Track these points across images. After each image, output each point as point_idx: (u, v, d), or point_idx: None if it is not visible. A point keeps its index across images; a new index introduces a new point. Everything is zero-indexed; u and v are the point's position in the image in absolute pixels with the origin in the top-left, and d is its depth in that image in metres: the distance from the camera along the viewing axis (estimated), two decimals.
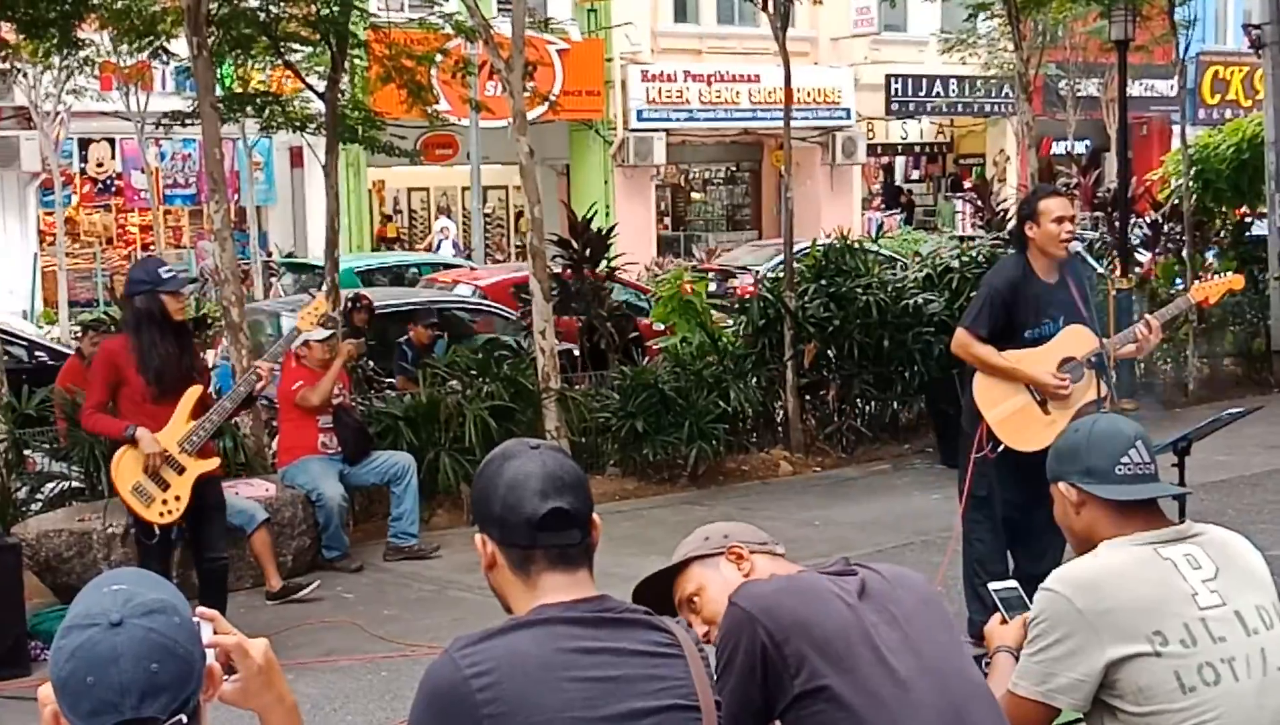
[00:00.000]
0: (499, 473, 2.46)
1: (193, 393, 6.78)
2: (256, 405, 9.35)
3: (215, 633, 2.13)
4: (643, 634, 2.40)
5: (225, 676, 2.13)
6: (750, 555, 2.95)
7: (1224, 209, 15.50)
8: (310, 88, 11.83)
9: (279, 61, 12.12)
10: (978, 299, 6.47)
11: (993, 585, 3.39)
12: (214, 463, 6.91)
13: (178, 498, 6.71)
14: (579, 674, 2.30)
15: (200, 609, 2.08)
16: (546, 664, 2.29)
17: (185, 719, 1.82)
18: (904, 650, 2.65)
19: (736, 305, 13.15)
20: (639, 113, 28.33)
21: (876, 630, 2.65)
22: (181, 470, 6.72)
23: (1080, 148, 28.67)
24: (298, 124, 12.91)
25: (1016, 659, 3.04)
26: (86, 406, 6.86)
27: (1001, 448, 6.27)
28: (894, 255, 15.14)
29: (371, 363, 12.06)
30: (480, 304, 14.52)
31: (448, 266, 19.24)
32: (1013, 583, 3.37)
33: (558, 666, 2.29)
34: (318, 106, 12.12)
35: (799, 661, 2.59)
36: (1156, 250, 15.35)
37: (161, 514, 6.71)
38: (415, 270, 18.83)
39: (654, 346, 12.89)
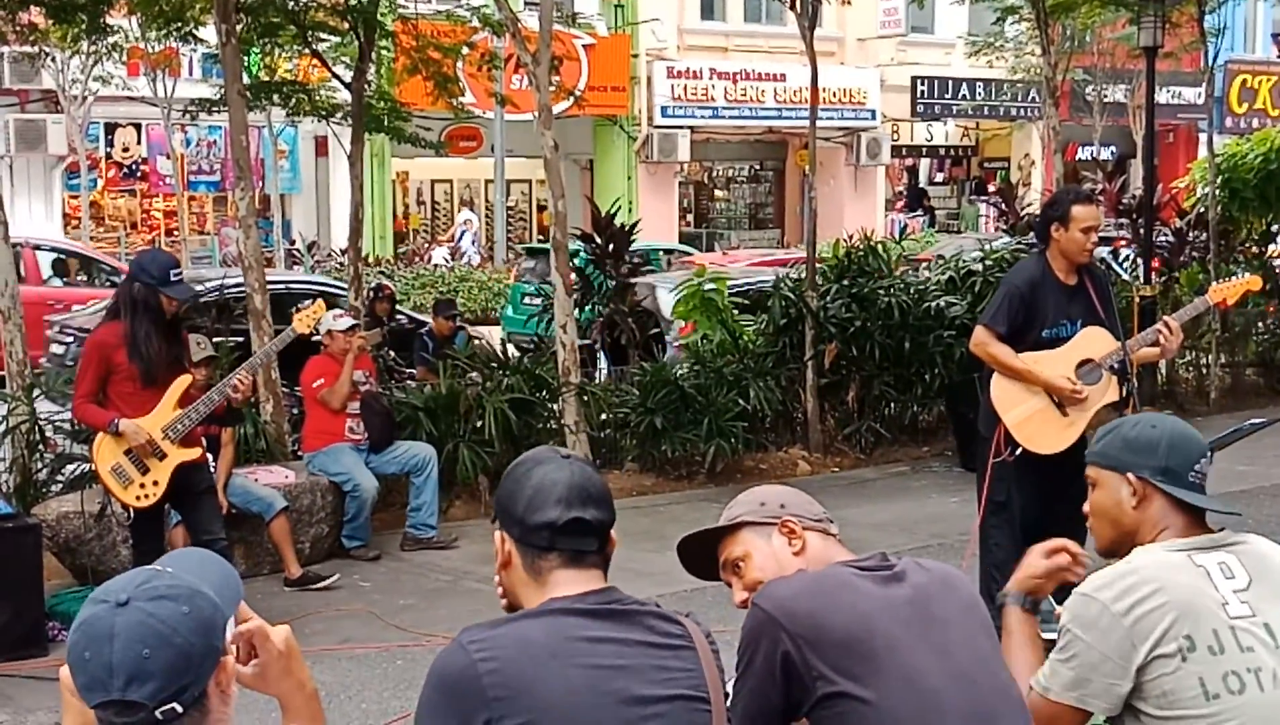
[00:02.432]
0: (527, 475, 2.52)
1: (182, 381, 6.79)
2: (278, 391, 9.41)
3: (238, 619, 2.14)
4: (652, 624, 2.44)
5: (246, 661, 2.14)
6: (803, 532, 2.87)
7: (1250, 219, 15.43)
8: (337, 77, 11.86)
9: (306, 50, 12.15)
10: (997, 296, 6.45)
11: None
12: (195, 452, 6.89)
13: (155, 483, 6.73)
14: (585, 661, 2.34)
15: None
16: (554, 651, 2.33)
17: (180, 709, 1.82)
18: (936, 654, 2.61)
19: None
20: (664, 109, 28.32)
21: (908, 631, 2.61)
22: (163, 457, 6.73)
23: (1106, 153, 28.60)
24: (324, 113, 12.94)
25: (1025, 611, 3.10)
26: (77, 396, 6.85)
27: (1020, 451, 6.25)
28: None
29: (394, 353, 12.10)
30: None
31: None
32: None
33: (565, 654, 2.33)
34: (344, 96, 12.14)
35: (820, 666, 2.57)
36: (1180, 259, 15.28)
37: (138, 498, 6.74)
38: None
39: None
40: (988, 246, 13.47)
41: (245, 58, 11.61)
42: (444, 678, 2.36)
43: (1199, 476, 3.04)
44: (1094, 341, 6.27)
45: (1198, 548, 2.94)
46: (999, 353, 6.25)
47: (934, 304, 11.79)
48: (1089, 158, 28.99)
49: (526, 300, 17.20)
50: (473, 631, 2.39)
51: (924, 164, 36.23)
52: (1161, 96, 23.05)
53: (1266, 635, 2.84)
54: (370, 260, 23.33)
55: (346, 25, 11.53)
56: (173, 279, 6.66)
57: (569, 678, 2.31)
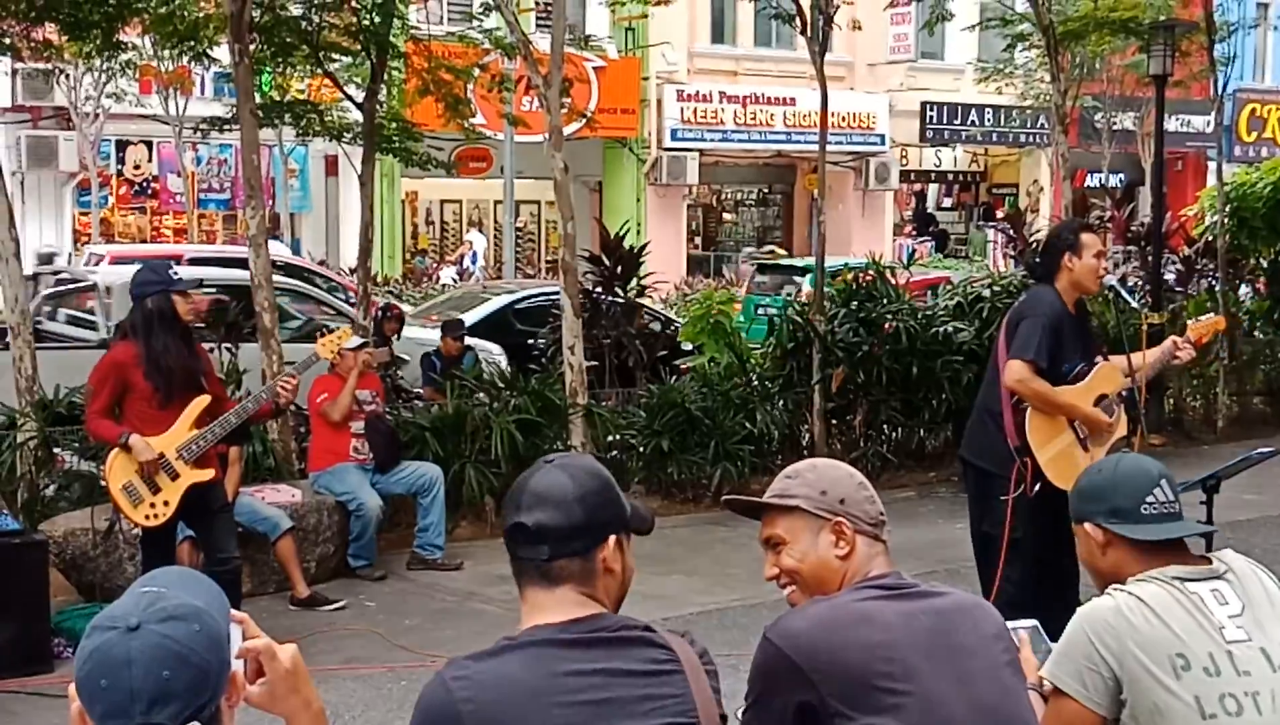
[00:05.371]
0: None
1: (200, 402, 6.77)
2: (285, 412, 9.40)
3: (245, 636, 2.15)
4: (637, 653, 2.39)
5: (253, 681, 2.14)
6: (854, 535, 2.81)
7: (1259, 247, 15.45)
8: (349, 97, 11.90)
9: (319, 71, 12.20)
10: (1030, 330, 6.13)
11: (1011, 624, 3.37)
12: (209, 473, 6.84)
13: (166, 503, 6.70)
14: (568, 698, 2.31)
15: (232, 612, 2.09)
16: (536, 690, 2.31)
17: None
18: (957, 682, 2.59)
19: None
20: (673, 132, 28.38)
21: (928, 659, 2.58)
22: (175, 477, 6.70)
23: (1114, 181, 28.57)
24: (335, 133, 12.99)
25: (1042, 697, 3.03)
26: (90, 412, 6.85)
27: (1038, 487, 6.13)
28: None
29: (401, 373, 12.12)
30: None
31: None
32: (1032, 620, 3.34)
33: (547, 692, 2.31)
34: (355, 116, 12.19)
35: (839, 705, 2.54)
36: (1189, 286, 15.28)
37: (147, 517, 6.71)
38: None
39: None
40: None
41: (258, 77, 11.65)
42: (426, 713, 2.37)
43: (1156, 506, 3.02)
44: (1107, 376, 6.20)
45: (1190, 577, 2.95)
46: (1041, 388, 6.04)
47: (942, 329, 11.80)
48: (1098, 185, 28.99)
49: (760, 311, 17.86)
50: (457, 665, 2.38)
51: (932, 189, 36.25)
52: (1170, 124, 23.04)
53: (1264, 659, 2.85)
54: (379, 279, 23.40)
55: (359, 46, 11.59)
56: (175, 277, 6.73)
57: (550, 716, 2.29)
